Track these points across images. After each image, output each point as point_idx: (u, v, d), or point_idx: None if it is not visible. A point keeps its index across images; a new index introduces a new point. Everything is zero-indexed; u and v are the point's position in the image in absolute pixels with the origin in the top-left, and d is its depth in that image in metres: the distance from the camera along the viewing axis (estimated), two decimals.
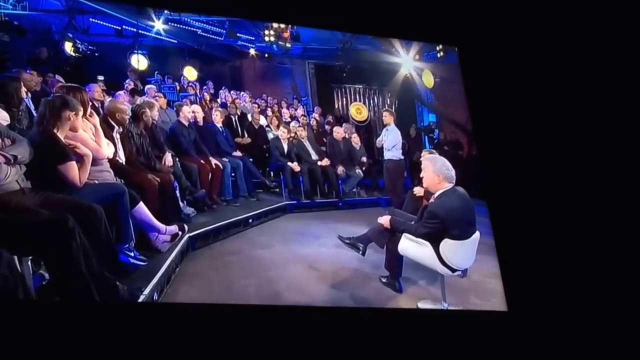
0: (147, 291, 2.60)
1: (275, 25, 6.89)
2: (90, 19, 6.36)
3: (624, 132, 3.57)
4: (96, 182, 2.86)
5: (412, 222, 3.29)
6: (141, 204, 3.11)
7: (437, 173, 3.09)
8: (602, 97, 3.62)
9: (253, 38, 7.46)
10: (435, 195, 3.12)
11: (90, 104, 3.29)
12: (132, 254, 2.89)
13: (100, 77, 5.60)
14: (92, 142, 2.89)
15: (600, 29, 3.65)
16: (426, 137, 7.16)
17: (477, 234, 3.12)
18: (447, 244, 3.01)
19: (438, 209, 3.01)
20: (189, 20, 6.87)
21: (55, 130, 2.57)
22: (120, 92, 5.14)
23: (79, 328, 2.17)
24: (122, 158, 3.48)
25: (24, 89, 3.21)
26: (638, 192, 3.47)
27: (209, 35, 7.14)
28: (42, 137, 2.52)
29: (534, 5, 3.74)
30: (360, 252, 3.51)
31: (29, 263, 2.20)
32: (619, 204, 3.48)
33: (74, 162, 2.58)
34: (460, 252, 3.04)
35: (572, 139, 3.62)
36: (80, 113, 2.73)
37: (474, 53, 3.98)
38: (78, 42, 5.59)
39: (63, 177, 2.55)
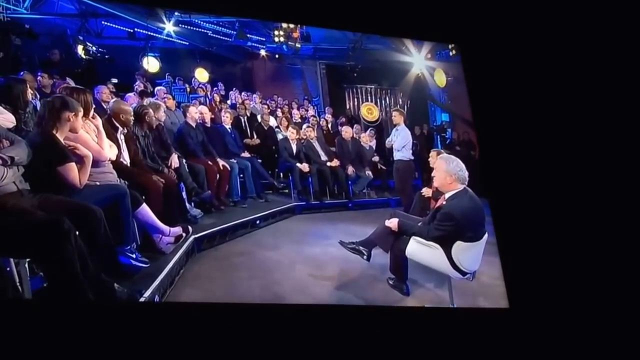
0: (147, 293, 2.57)
1: (284, 25, 6.88)
2: (103, 22, 6.43)
3: (628, 130, 3.46)
4: (97, 183, 2.85)
5: (420, 224, 3.21)
6: (144, 206, 3.09)
7: (450, 173, 2.97)
8: (606, 96, 3.52)
9: (263, 39, 7.47)
10: (447, 196, 3.02)
11: (94, 105, 3.29)
12: (133, 256, 2.86)
13: (114, 80, 5.68)
14: (93, 144, 2.88)
15: (604, 27, 3.55)
16: (438, 136, 7.08)
17: (486, 235, 3.04)
18: (459, 247, 2.92)
19: (453, 211, 2.91)
20: (199, 21, 6.90)
21: (54, 132, 2.55)
22: (130, 94, 5.17)
23: (68, 330, 2.16)
24: (126, 159, 3.47)
25: (30, 91, 3.22)
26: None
27: (219, 36, 7.17)
28: (41, 138, 2.51)
29: (536, 4, 3.65)
30: (365, 257, 3.40)
31: (26, 265, 2.18)
32: (621, 203, 3.39)
33: (73, 164, 2.56)
34: (471, 254, 2.96)
35: (575, 138, 3.53)
36: (80, 114, 2.71)
37: (476, 51, 3.91)
38: (89, 44, 5.66)
39: (62, 179, 2.53)
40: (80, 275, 2.08)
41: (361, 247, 3.43)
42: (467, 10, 3.75)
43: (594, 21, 3.58)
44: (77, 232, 2.26)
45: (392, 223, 3.24)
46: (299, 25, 6.86)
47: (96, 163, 2.85)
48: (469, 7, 3.74)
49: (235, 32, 7.10)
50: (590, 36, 3.59)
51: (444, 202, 3.02)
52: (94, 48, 5.69)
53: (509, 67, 3.72)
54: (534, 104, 3.63)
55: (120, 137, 3.45)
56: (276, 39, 7.06)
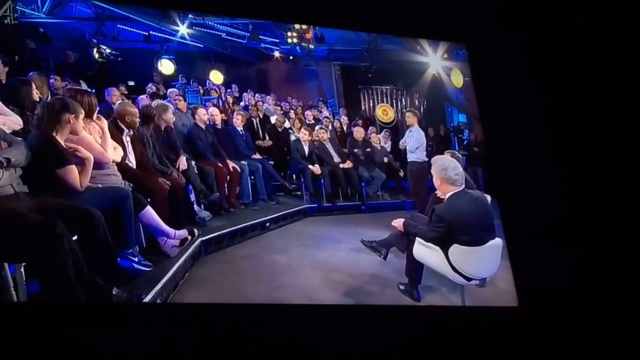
0: (148, 298, 2.52)
1: (297, 26, 6.85)
2: (119, 26, 6.49)
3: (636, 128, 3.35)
4: (99, 185, 2.81)
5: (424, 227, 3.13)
6: (148, 208, 3.03)
7: (436, 175, 2.95)
8: (616, 94, 3.41)
9: (277, 40, 7.44)
10: (446, 197, 2.95)
11: (102, 107, 3.27)
12: (135, 259, 2.80)
13: (131, 82, 5.71)
14: (96, 146, 2.85)
15: (613, 28, 3.44)
16: (455, 138, 6.94)
17: (497, 241, 2.91)
18: (456, 250, 2.83)
19: (444, 212, 2.84)
20: (212, 23, 6.90)
21: (53, 134, 2.51)
22: (142, 96, 5.17)
23: (62, 332, 2.13)
24: (132, 162, 3.43)
25: (36, 92, 3.21)
26: None
27: (233, 38, 7.16)
28: (40, 141, 2.47)
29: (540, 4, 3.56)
30: (382, 256, 3.41)
31: (22, 270, 2.14)
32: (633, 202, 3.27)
33: (73, 166, 2.52)
34: (473, 259, 2.85)
35: (581, 138, 3.42)
36: (82, 116, 2.67)
37: (483, 51, 3.82)
38: (102, 47, 5.71)
39: (62, 181, 2.49)
40: (73, 279, 2.04)
41: (379, 247, 3.44)
42: (475, 10, 3.66)
43: (602, 22, 3.47)
44: (76, 236, 2.23)
45: (398, 223, 3.23)
46: (311, 27, 6.81)
47: (100, 165, 2.82)
48: (478, 7, 3.65)
49: (248, 34, 7.08)
50: (599, 36, 3.49)
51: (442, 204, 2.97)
52: (107, 51, 5.74)
53: (517, 67, 3.63)
54: (542, 105, 3.54)
55: (126, 139, 3.41)
56: (289, 40, 7.03)
